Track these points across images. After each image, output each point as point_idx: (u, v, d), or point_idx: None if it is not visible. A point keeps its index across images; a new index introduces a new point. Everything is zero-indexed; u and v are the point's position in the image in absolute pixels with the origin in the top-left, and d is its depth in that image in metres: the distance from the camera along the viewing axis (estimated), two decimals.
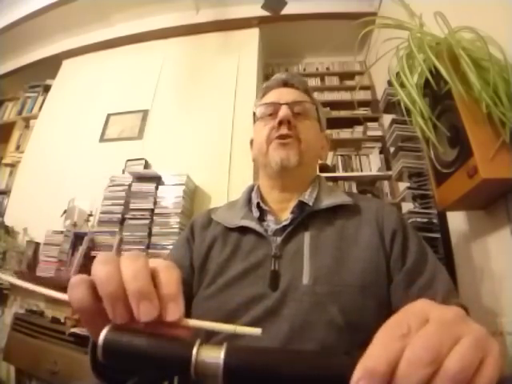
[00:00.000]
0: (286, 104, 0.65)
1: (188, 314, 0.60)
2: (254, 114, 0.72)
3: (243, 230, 0.62)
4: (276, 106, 0.66)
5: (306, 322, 0.50)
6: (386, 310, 0.54)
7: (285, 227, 0.60)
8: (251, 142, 0.75)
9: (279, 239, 0.58)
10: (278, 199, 0.66)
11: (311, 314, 0.50)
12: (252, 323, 0.51)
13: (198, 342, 0.24)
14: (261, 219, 0.63)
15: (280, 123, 0.63)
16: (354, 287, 0.52)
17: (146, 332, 0.26)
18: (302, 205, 0.61)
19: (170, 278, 0.27)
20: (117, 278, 0.26)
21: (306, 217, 0.60)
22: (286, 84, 0.70)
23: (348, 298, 0.52)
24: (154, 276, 0.27)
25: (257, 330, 0.26)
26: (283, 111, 0.63)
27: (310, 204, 0.61)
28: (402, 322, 0.22)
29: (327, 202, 0.62)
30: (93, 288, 0.26)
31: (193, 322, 0.27)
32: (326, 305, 0.51)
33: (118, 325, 0.26)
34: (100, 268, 0.27)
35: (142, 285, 0.26)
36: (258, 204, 0.65)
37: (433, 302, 0.24)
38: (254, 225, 0.61)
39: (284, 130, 0.63)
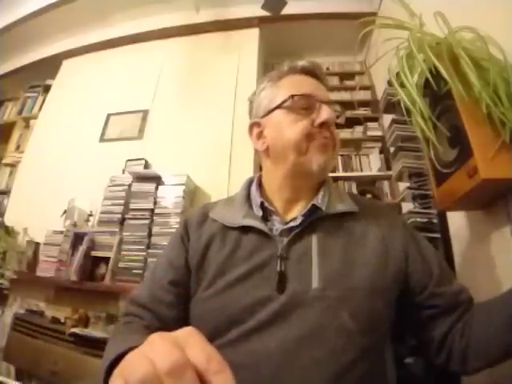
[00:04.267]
0: (327, 103, 0.62)
1: (186, 314, 0.59)
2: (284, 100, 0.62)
3: (244, 229, 0.60)
4: (313, 101, 0.61)
5: (316, 327, 0.49)
6: (392, 312, 0.55)
7: (292, 228, 0.58)
8: (251, 127, 0.68)
9: (285, 240, 0.57)
10: (286, 199, 0.64)
11: (321, 318, 0.50)
12: (259, 327, 0.50)
13: None
14: (264, 218, 0.61)
15: (322, 124, 0.60)
16: (364, 291, 0.52)
17: None
18: (314, 208, 0.59)
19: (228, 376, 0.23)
20: None
21: (314, 219, 0.59)
22: (314, 75, 0.66)
23: (358, 302, 0.51)
24: (204, 381, 0.23)
25: None
26: (329, 113, 0.60)
27: (323, 208, 0.59)
28: None
29: (339, 207, 0.61)
30: None
31: None
32: (336, 309, 0.50)
33: None
34: None
35: None
36: (261, 203, 0.62)
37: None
38: (258, 224, 0.59)
39: (328, 133, 0.61)
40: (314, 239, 0.57)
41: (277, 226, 0.60)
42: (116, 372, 0.26)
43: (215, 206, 0.68)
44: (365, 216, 0.62)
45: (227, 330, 0.51)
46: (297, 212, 0.61)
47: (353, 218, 0.61)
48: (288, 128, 0.61)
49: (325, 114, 0.59)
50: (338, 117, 0.66)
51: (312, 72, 0.66)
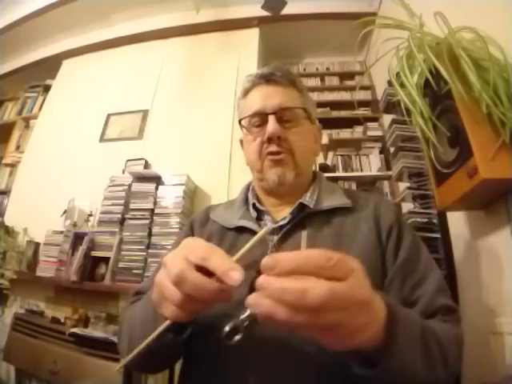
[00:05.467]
0: (273, 113, 0.61)
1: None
2: (240, 121, 0.67)
3: (240, 230, 0.62)
4: (262, 116, 0.63)
5: None
6: None
7: (282, 226, 0.60)
8: (241, 142, 0.73)
9: (276, 238, 0.58)
10: (274, 204, 0.66)
11: None
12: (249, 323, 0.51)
13: None
14: (258, 219, 0.64)
15: (269, 139, 0.61)
16: None
17: None
18: (302, 206, 0.61)
19: (222, 257, 0.36)
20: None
21: (303, 216, 0.60)
22: (268, 80, 0.65)
23: None
24: (207, 263, 0.35)
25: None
26: (271, 126, 0.60)
27: (311, 206, 0.61)
28: None
29: (327, 203, 0.62)
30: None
31: (235, 257, 0.36)
32: None
33: None
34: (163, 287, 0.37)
35: (192, 288, 0.35)
36: (254, 205, 0.65)
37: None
38: (251, 224, 0.61)
39: (274, 148, 0.61)
40: (304, 236, 0.58)
41: (269, 225, 0.62)
42: (160, 270, 0.37)
43: (217, 207, 0.72)
44: (358, 209, 0.62)
45: (220, 326, 0.52)
46: (287, 211, 0.62)
47: (345, 212, 0.61)
48: (248, 148, 0.67)
49: (269, 128, 0.61)
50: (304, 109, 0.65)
51: (268, 78, 0.65)
